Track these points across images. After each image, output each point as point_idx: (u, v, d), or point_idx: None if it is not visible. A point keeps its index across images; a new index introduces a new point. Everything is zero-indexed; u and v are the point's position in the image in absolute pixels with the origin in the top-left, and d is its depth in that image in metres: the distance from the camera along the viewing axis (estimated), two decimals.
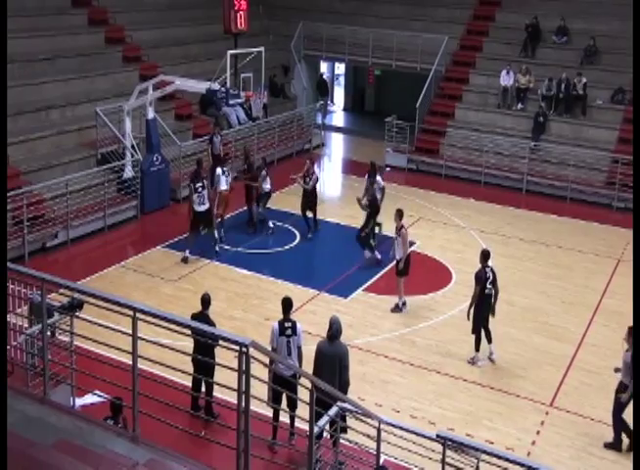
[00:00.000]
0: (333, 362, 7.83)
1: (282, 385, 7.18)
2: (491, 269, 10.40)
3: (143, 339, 5.11)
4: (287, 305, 8.35)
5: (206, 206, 13.54)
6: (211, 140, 16.80)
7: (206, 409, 8.67)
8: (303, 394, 6.42)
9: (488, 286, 10.24)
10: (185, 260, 13.26)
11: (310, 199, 14.73)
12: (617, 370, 8.87)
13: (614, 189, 17.40)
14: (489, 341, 10.48)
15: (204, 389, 8.81)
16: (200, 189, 13.44)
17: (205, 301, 8.82)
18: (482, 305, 10.27)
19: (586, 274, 13.66)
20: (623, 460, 8.56)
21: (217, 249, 13.67)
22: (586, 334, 11.43)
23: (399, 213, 11.78)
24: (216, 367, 7.33)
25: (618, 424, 8.69)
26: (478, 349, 10.44)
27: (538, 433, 9.02)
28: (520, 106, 19.91)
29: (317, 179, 14.94)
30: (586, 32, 20.26)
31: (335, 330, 7.96)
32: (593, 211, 16.92)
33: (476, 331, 10.38)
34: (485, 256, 10.43)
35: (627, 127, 18.36)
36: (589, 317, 11.93)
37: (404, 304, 11.91)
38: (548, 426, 9.17)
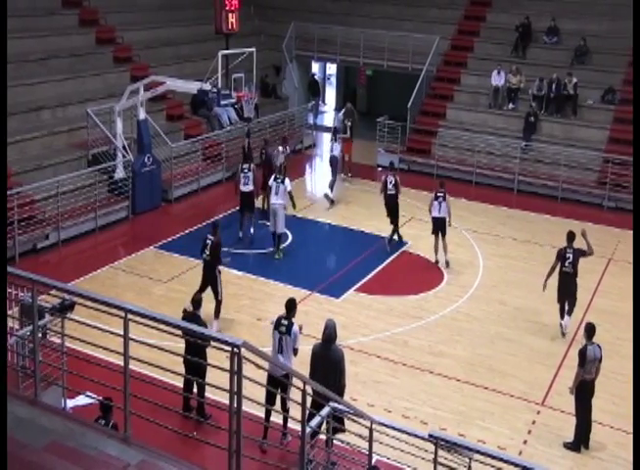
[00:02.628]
0: (327, 366, 7.82)
1: (274, 385, 7.18)
2: (574, 251, 11.17)
3: (134, 340, 5.09)
4: (289, 305, 8.42)
5: (249, 187, 14.16)
6: (248, 135, 17.31)
7: (198, 410, 8.66)
8: (296, 394, 6.42)
9: (567, 265, 11.18)
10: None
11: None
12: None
13: (605, 189, 17.48)
14: (568, 313, 11.39)
15: (195, 390, 8.79)
16: (245, 170, 14.15)
17: (197, 301, 8.81)
18: (561, 281, 11.30)
19: (578, 274, 13.67)
20: (616, 459, 8.60)
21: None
22: (577, 333, 11.45)
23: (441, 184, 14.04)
24: (208, 368, 7.32)
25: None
26: (562, 316, 11.40)
27: (530, 432, 9.05)
28: (511, 106, 19.98)
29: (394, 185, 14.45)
30: (577, 32, 20.36)
31: (328, 335, 7.95)
32: (585, 211, 16.97)
33: (559, 301, 11.41)
34: (570, 237, 11.24)
35: (618, 127, 18.47)
36: (580, 316, 11.96)
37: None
38: (540, 425, 9.20)
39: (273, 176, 13.74)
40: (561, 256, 11.23)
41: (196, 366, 7.75)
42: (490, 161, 18.91)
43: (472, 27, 22.26)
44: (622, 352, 10.87)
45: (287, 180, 13.48)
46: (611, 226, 16.15)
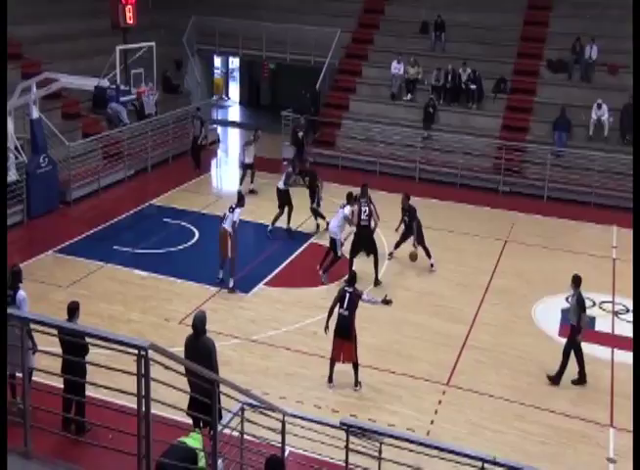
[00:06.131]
0: (197, 358, 7.61)
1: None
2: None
3: (37, 350, 4.93)
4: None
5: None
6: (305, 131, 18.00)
7: (77, 424, 8.19)
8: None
9: None
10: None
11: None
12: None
13: (499, 174, 18.34)
14: None
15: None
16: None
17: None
18: None
19: (477, 256, 14.32)
20: (514, 430, 9.11)
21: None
22: (478, 314, 12.02)
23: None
24: (116, 373, 7.14)
25: (566, 359, 9.97)
26: None
27: (436, 412, 9.42)
28: (409, 96, 20.53)
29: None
30: (469, 24, 21.19)
31: (193, 326, 7.75)
32: (481, 196, 17.73)
33: None
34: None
35: (510, 115, 19.41)
36: (480, 297, 12.54)
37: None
38: (445, 404, 9.58)
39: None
40: None
41: (73, 384, 7.56)
42: (392, 150, 19.34)
43: (371, 20, 22.67)
44: (519, 330, 11.51)
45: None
46: (505, 210, 16.98)
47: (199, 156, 18.79)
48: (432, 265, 13.45)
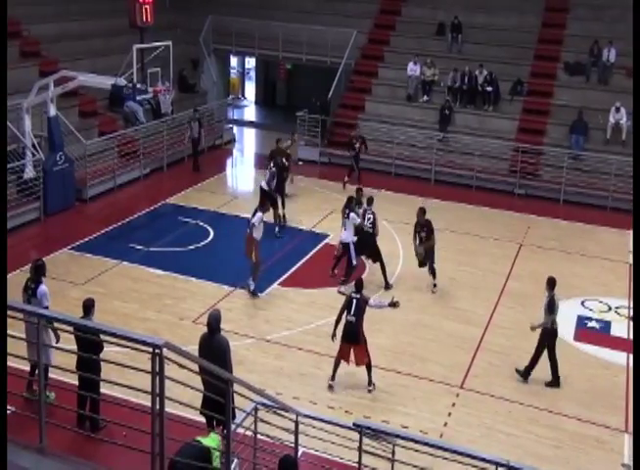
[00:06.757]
0: (211, 356, 7.62)
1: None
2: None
3: (49, 346, 4.96)
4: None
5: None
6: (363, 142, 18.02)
7: (92, 421, 8.21)
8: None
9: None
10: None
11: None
12: (533, 328, 10.16)
13: (515, 177, 18.22)
14: None
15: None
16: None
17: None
18: None
19: (492, 259, 14.25)
20: (528, 435, 9.04)
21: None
22: (493, 316, 11.96)
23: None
24: (130, 371, 7.17)
25: (555, 362, 9.99)
26: None
27: (450, 415, 9.37)
28: (425, 98, 20.46)
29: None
30: (485, 26, 21.08)
31: (207, 324, 7.82)
32: (497, 199, 17.63)
33: None
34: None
35: (526, 117, 19.28)
36: (495, 300, 12.47)
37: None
38: (459, 407, 9.53)
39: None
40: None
41: (87, 381, 7.60)
42: (408, 152, 19.28)
43: (388, 21, 22.62)
44: (534, 333, 11.37)
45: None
46: (521, 213, 16.88)
47: (197, 158, 18.62)
48: (434, 286, 12.65)
